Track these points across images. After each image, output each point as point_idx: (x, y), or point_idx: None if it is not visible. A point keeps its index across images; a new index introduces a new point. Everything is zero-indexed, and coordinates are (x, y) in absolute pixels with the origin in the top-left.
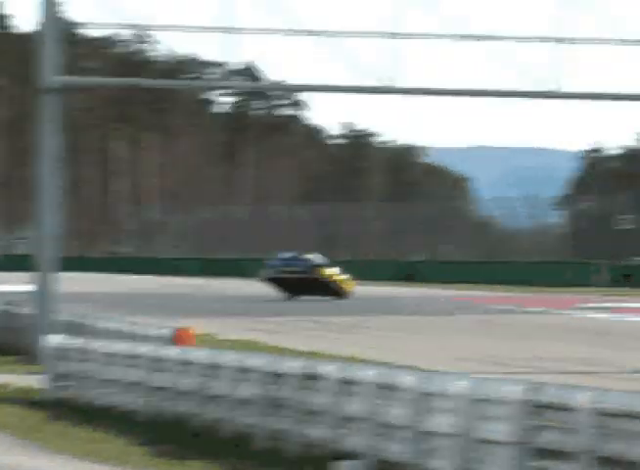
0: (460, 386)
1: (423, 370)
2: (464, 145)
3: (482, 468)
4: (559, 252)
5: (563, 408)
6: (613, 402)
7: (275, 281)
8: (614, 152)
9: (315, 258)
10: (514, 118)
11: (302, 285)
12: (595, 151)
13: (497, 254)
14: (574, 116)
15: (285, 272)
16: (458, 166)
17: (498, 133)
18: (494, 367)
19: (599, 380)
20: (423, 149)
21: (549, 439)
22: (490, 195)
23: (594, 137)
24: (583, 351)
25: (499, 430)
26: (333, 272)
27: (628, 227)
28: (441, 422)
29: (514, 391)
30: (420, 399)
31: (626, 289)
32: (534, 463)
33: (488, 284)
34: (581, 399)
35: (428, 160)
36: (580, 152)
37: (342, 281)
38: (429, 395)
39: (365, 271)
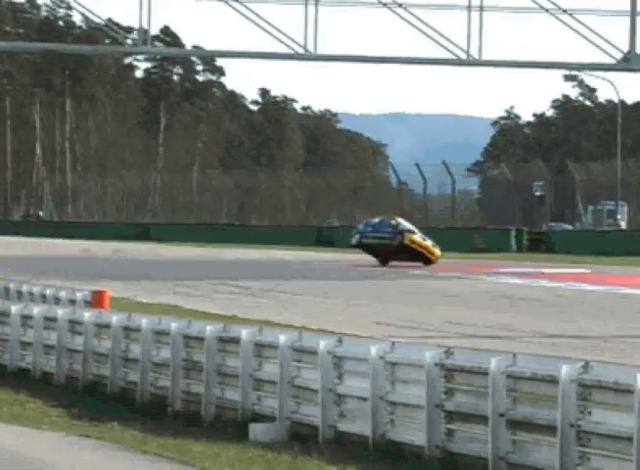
0: (374, 349)
1: (338, 334)
2: (380, 112)
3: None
4: (472, 218)
5: (474, 372)
6: (521, 366)
7: (362, 247)
8: (526, 119)
9: (403, 223)
10: (430, 86)
11: (390, 251)
12: (508, 118)
13: (411, 220)
14: (490, 83)
15: (372, 238)
16: (374, 133)
17: (414, 100)
18: (411, 332)
19: (510, 344)
20: (339, 115)
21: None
22: (405, 161)
23: (509, 105)
24: (497, 315)
25: (413, 393)
26: (419, 238)
27: (541, 194)
28: (355, 385)
29: (426, 355)
30: (334, 363)
31: (541, 255)
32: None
33: None
34: (493, 363)
35: (344, 126)
36: (494, 119)
37: (428, 247)
38: (342, 358)
39: (284, 237)
